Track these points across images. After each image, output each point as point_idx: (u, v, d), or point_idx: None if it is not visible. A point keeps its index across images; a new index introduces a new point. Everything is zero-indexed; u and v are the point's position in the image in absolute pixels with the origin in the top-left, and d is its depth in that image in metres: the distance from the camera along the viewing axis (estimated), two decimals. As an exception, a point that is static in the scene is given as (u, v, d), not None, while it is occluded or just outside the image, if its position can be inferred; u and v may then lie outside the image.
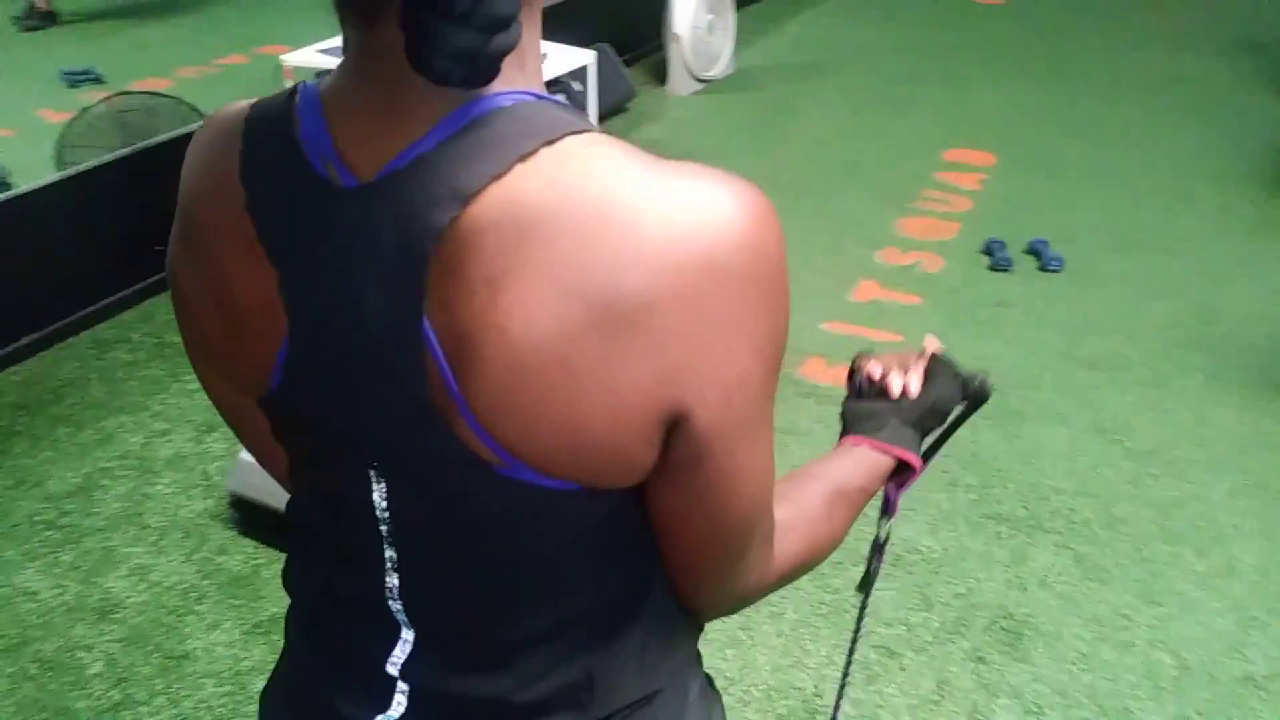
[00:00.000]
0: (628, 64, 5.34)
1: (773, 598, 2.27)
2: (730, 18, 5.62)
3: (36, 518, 2.55)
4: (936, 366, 0.96)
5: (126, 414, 2.93)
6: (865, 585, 1.05)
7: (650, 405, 0.58)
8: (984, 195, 4.35)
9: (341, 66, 0.62)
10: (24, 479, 2.68)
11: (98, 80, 5.41)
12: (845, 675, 1.14)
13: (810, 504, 0.80)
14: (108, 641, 2.20)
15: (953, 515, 2.57)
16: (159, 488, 2.65)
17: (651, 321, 0.55)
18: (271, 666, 0.86)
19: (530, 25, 0.62)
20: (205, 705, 2.07)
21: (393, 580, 0.70)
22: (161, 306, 3.41)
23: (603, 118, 4.84)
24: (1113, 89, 5.53)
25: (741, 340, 0.58)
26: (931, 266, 3.76)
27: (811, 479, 0.83)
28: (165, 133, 3.54)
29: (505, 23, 0.53)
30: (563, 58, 4.52)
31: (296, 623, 0.81)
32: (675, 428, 0.60)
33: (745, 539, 0.68)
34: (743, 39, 5.90)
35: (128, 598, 2.32)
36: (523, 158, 0.55)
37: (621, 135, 3.51)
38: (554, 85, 4.46)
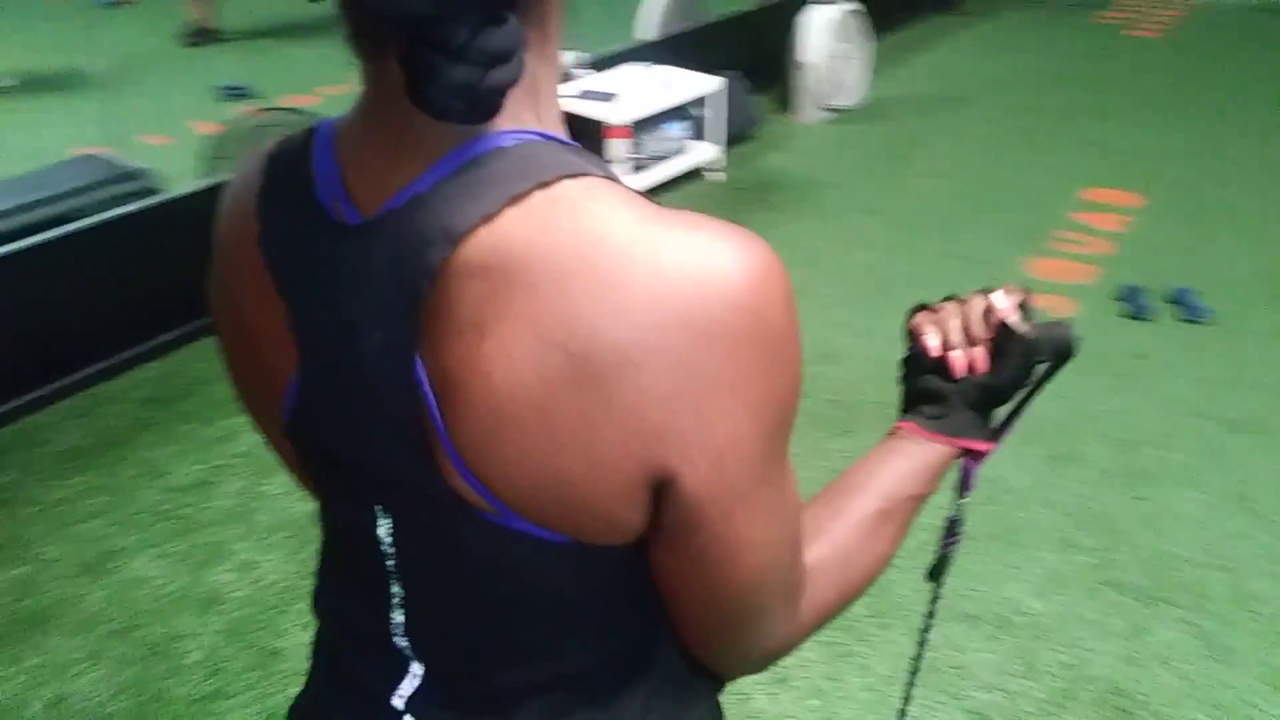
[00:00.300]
0: (757, 91, 5.30)
1: (858, 648, 2.18)
2: (864, 47, 5.53)
3: (157, 507, 2.68)
4: (1008, 337, 0.80)
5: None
6: (937, 573, 0.92)
7: (632, 466, 0.55)
8: (1125, 238, 4.13)
9: (357, 103, 0.62)
10: (149, 470, 2.82)
11: (249, 95, 5.71)
12: (913, 677, 1.03)
13: (846, 538, 0.73)
14: (209, 632, 2.28)
15: (1066, 578, 2.42)
16: (271, 487, 2.74)
17: (634, 379, 0.53)
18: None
19: (543, 61, 0.60)
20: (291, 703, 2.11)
21: (399, 616, 0.70)
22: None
23: (730, 144, 4.82)
24: (1276, 130, 5.19)
25: (734, 403, 0.55)
26: (1061, 311, 3.59)
27: (852, 497, 0.76)
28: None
29: (504, 57, 0.52)
30: (690, 85, 4.53)
31: (317, 648, 0.81)
32: (662, 491, 0.57)
33: (752, 607, 0.64)
34: (879, 69, 5.81)
35: (231, 591, 2.40)
36: (514, 200, 0.54)
37: (746, 163, 3.50)
38: (679, 112, 4.47)
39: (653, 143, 4.39)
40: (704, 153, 4.64)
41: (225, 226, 0.68)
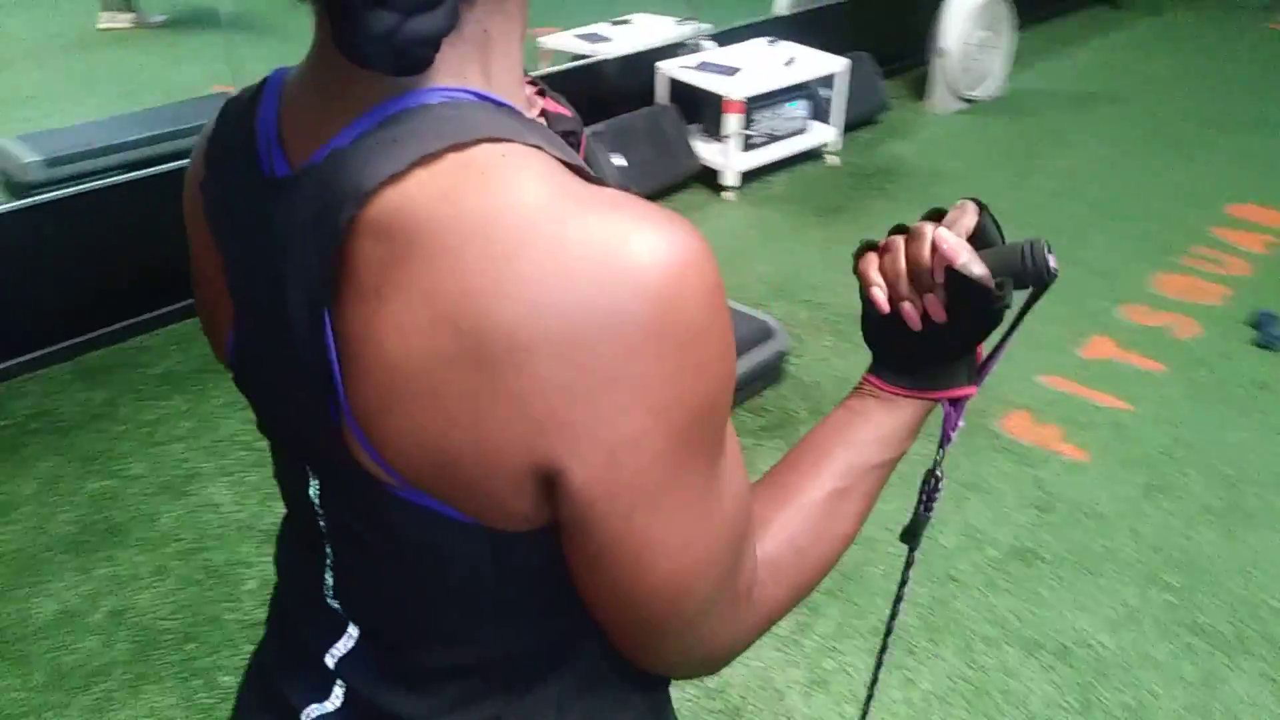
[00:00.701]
0: (888, 75, 5.12)
1: (906, 660, 2.10)
2: (1007, 36, 5.26)
3: (238, 437, 2.78)
4: (957, 281, 0.69)
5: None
6: (911, 536, 0.83)
7: (518, 453, 0.52)
8: (1268, 261, 3.83)
9: (309, 52, 0.59)
10: (236, 400, 2.93)
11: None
12: (881, 655, 0.95)
13: (799, 528, 0.68)
14: (267, 562, 2.36)
15: (1140, 615, 2.27)
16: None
17: (522, 364, 0.49)
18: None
19: (498, 16, 0.56)
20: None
21: (329, 578, 0.69)
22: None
23: (850, 128, 4.68)
24: None
25: (633, 400, 0.50)
26: (1183, 332, 3.35)
27: (804, 477, 0.70)
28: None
29: (428, 5, 0.49)
30: (814, 63, 4.40)
31: (271, 602, 0.80)
32: (553, 483, 0.53)
33: (678, 614, 0.58)
34: (1021, 60, 5.53)
35: (294, 527, 2.48)
36: (425, 160, 0.51)
37: (867, 148, 3.38)
38: (799, 90, 4.35)
39: (770, 120, 4.29)
40: (823, 134, 4.51)
41: (189, 172, 0.68)
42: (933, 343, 0.73)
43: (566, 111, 0.71)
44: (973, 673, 2.12)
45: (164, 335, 3.22)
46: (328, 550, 0.67)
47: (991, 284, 0.68)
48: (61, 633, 2.17)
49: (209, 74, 5.19)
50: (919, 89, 5.28)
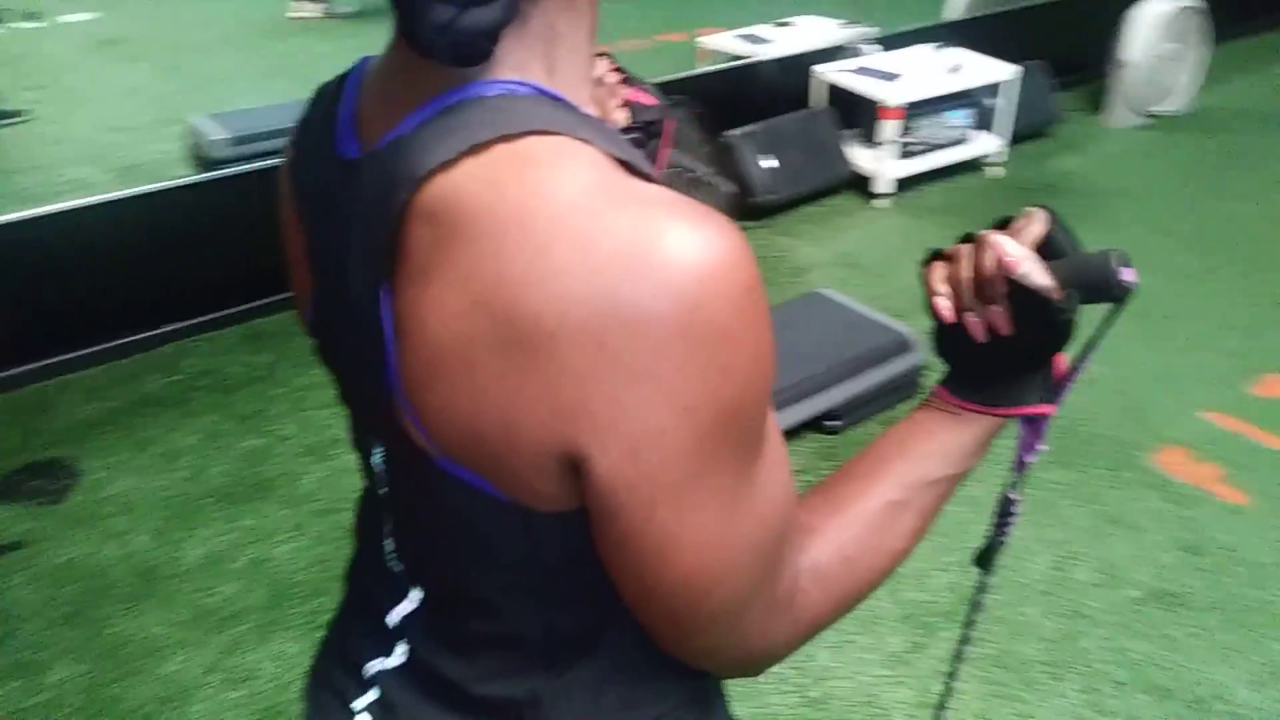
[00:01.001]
0: (1064, 87, 4.89)
1: (1023, 693, 2.01)
2: (1198, 49, 4.94)
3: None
4: (1022, 293, 0.67)
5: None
6: (985, 560, 0.81)
7: (543, 436, 0.53)
8: None
9: (388, 43, 0.62)
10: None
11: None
12: (950, 679, 0.92)
13: (849, 537, 0.67)
14: (395, 531, 2.47)
15: (1293, 674, 2.09)
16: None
17: (549, 351, 0.50)
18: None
19: (567, 12, 0.58)
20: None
21: (390, 543, 0.71)
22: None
23: (1017, 140, 4.49)
24: None
25: (657, 395, 0.51)
26: (1371, 375, 3.07)
27: (860, 486, 0.69)
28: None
29: None
30: (980, 71, 4.25)
31: (347, 567, 0.84)
32: (578, 470, 0.54)
33: (703, 610, 0.58)
34: (1214, 75, 5.17)
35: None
36: (475, 150, 0.53)
37: (1033, 161, 3.30)
38: (963, 98, 4.21)
39: (929, 128, 4.17)
40: (986, 145, 4.35)
41: (284, 153, 0.72)
42: (1001, 357, 0.71)
43: (650, 100, 0.72)
44: (1095, 716, 2.01)
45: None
46: (389, 516, 0.70)
47: (1055, 295, 0.66)
48: (206, 576, 2.33)
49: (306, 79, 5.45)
50: (1095, 102, 5.02)
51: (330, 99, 0.65)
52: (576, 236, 0.50)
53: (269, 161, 3.36)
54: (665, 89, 3.57)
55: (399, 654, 0.73)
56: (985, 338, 0.70)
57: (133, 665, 2.10)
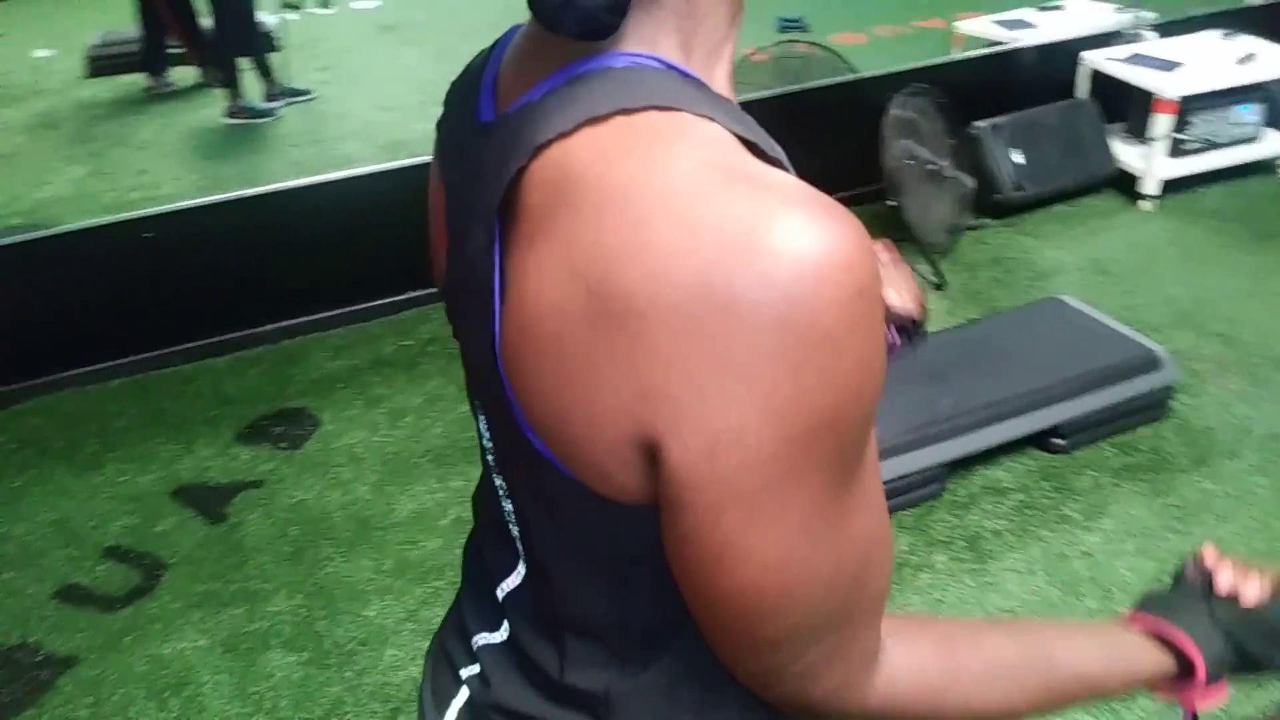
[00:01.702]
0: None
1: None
2: None
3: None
4: None
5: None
6: None
7: (624, 420, 0.51)
8: None
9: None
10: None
11: (803, 29, 5.89)
12: None
13: (966, 656, 0.63)
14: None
15: None
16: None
17: (637, 330, 0.48)
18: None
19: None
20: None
21: (508, 505, 0.71)
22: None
23: (1320, 140, 3.95)
24: None
25: (745, 392, 0.47)
26: None
27: (1005, 633, 0.66)
28: (814, 80, 3.74)
29: None
30: (1276, 61, 3.76)
31: (469, 536, 0.85)
32: (654, 459, 0.51)
33: (756, 634, 0.54)
34: None
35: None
36: (593, 121, 0.52)
37: None
38: (1254, 91, 3.74)
39: (1210, 124, 3.74)
40: (1279, 145, 3.86)
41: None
42: (1213, 608, 0.72)
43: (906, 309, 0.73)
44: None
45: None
46: (499, 481, 0.70)
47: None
48: (413, 530, 2.47)
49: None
50: None
51: (481, 63, 0.67)
52: (679, 213, 0.48)
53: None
54: (909, 76, 3.39)
55: (503, 630, 0.73)
56: (1228, 591, 0.74)
57: (340, 605, 2.27)
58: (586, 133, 0.52)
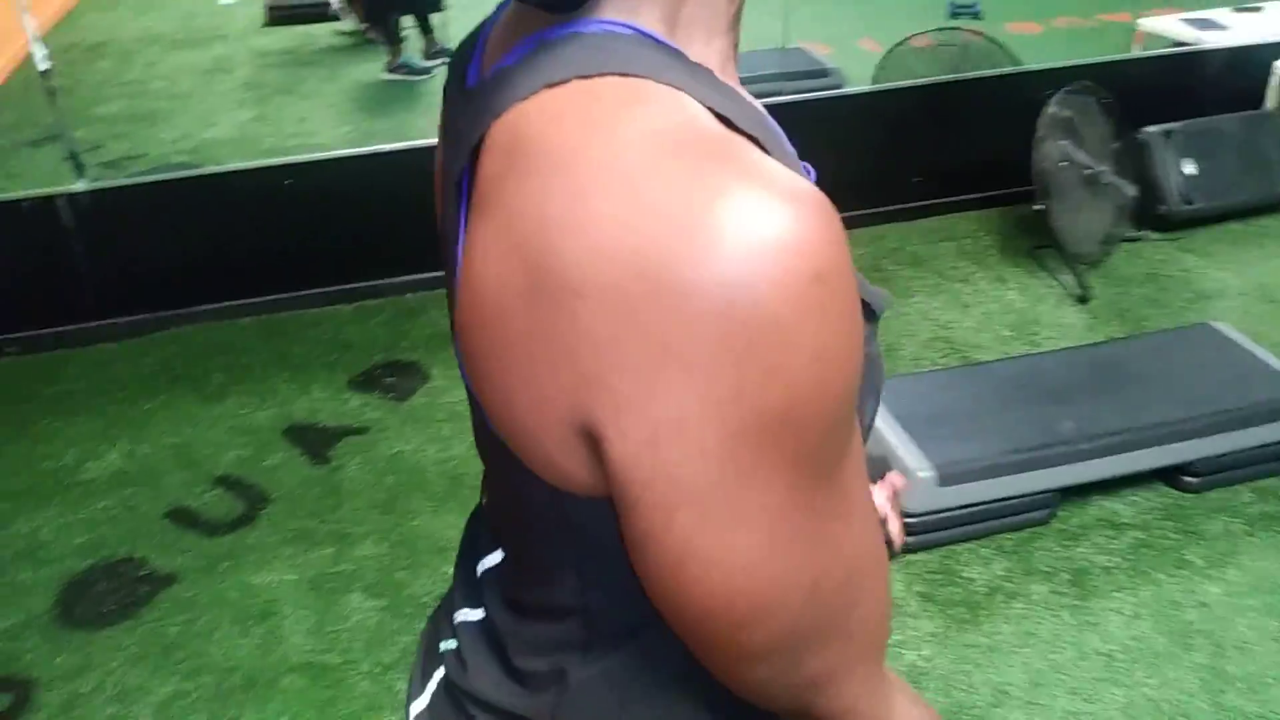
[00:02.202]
0: None
1: None
2: None
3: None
4: None
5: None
6: None
7: (564, 406, 0.47)
8: None
9: None
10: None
11: (976, 15, 5.62)
12: None
13: None
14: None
15: None
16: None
17: (573, 309, 0.45)
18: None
19: None
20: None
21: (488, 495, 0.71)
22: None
23: None
24: None
25: (683, 378, 0.43)
26: None
27: None
28: (971, 70, 3.56)
29: None
30: None
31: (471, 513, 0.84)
32: (597, 448, 0.47)
33: (736, 643, 0.50)
34: None
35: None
36: (550, 86, 0.49)
37: None
38: None
39: None
40: None
41: None
42: None
43: None
44: None
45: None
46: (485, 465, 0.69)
47: None
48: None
49: (800, 29, 5.44)
50: None
51: (481, 26, 0.65)
52: (622, 184, 0.44)
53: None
54: (1075, 73, 3.19)
55: (480, 608, 0.72)
56: None
57: (422, 558, 2.31)
58: (543, 97, 0.49)
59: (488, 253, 0.49)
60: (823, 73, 4.41)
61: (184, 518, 2.48)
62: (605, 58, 0.49)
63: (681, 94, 0.47)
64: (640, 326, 0.43)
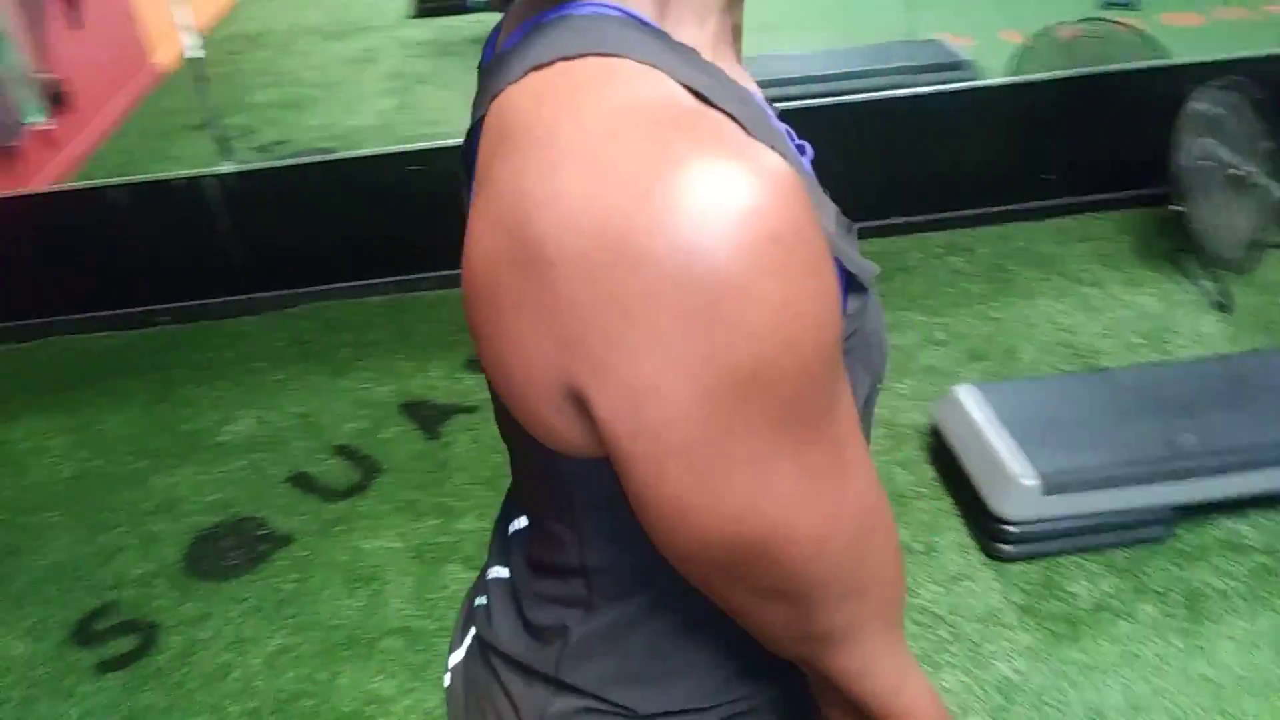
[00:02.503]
0: None
1: None
2: None
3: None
4: None
5: (921, 312, 3.10)
6: None
7: (551, 370, 0.50)
8: None
9: None
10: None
11: (1131, 8, 5.34)
12: None
13: None
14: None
15: None
16: (902, 387, 2.78)
17: (551, 278, 0.47)
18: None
19: None
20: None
21: None
22: (1026, 230, 3.43)
23: None
24: None
25: (652, 342, 0.45)
26: None
27: None
28: (1112, 63, 3.39)
29: None
30: None
31: None
32: (585, 410, 0.50)
33: (737, 581, 0.53)
34: None
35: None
36: (537, 68, 0.51)
37: None
38: None
39: None
40: None
41: None
42: None
43: None
44: None
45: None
46: None
47: None
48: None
49: (942, 20, 5.30)
50: None
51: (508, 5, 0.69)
52: (589, 157, 0.46)
53: (781, 105, 3.45)
54: (1225, 68, 3.01)
55: (507, 567, 0.75)
56: None
57: (520, 535, 2.38)
58: (530, 79, 0.51)
59: (481, 228, 0.52)
60: (956, 65, 4.29)
61: (304, 483, 2.62)
62: (588, 39, 0.51)
63: (657, 71, 0.49)
64: (608, 293, 0.45)
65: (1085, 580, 2.14)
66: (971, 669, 1.97)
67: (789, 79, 4.16)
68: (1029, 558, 2.20)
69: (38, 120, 4.22)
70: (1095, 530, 2.19)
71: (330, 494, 2.58)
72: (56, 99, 4.46)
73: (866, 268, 0.55)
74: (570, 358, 0.48)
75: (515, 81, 0.52)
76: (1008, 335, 2.98)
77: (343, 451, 2.73)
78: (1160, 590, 2.10)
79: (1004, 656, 1.99)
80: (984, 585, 2.16)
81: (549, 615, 0.67)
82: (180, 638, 2.19)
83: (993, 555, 2.22)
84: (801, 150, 0.60)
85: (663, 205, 0.44)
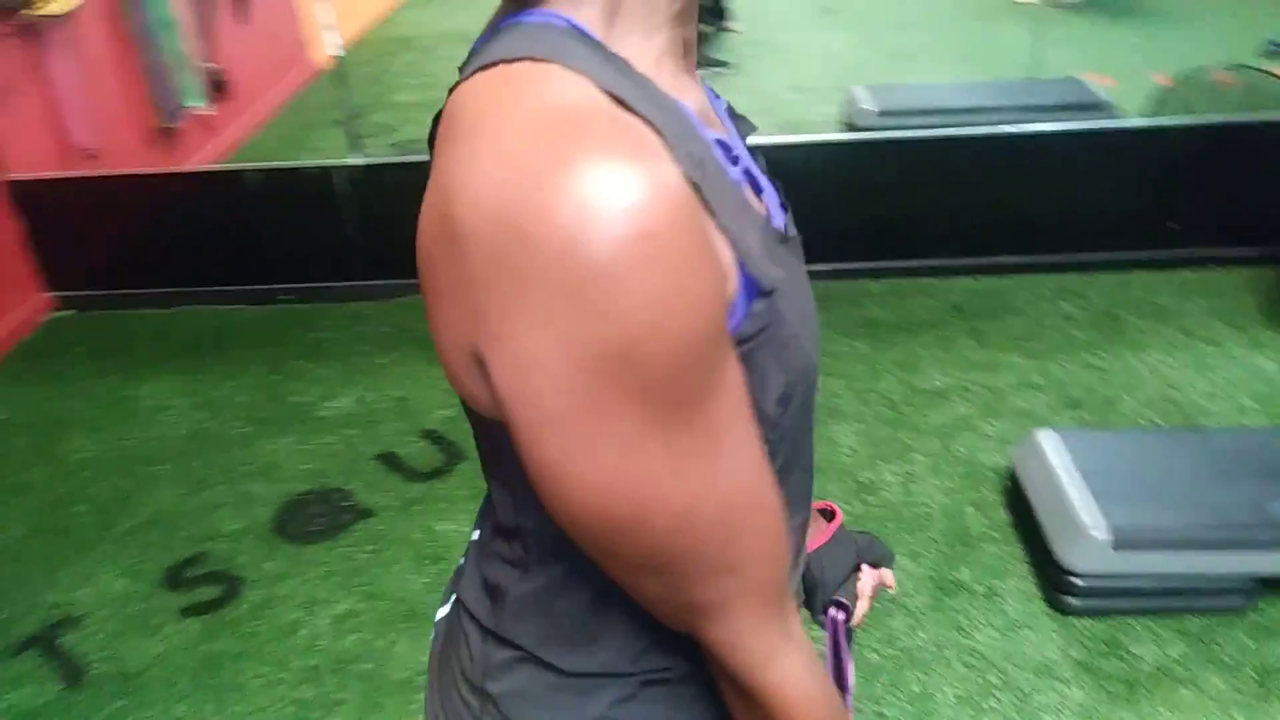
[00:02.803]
0: None
1: None
2: None
3: (890, 394, 2.89)
4: None
5: (1021, 354, 3.02)
6: None
7: (464, 334, 0.56)
8: None
9: None
10: (908, 363, 3.03)
11: (1290, 57, 5.06)
12: None
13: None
14: (896, 484, 2.46)
15: None
16: (988, 428, 2.72)
17: (462, 254, 0.53)
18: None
19: None
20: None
21: None
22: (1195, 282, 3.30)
23: None
24: None
25: (535, 317, 0.51)
26: None
27: None
28: (1250, 112, 3.24)
29: None
30: None
31: None
32: (487, 374, 0.56)
33: (611, 550, 0.58)
34: None
35: (887, 489, 2.52)
36: (483, 68, 0.57)
37: None
38: None
39: None
40: None
41: None
42: None
43: None
44: None
45: (885, 285, 3.44)
46: None
47: None
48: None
49: (1084, 59, 5.14)
50: None
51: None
52: (502, 148, 0.52)
53: (908, 133, 3.45)
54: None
55: (480, 529, 0.81)
56: None
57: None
58: (477, 77, 0.57)
59: (425, 207, 0.58)
60: (1094, 105, 4.16)
61: (390, 461, 2.76)
62: (529, 45, 0.57)
63: (582, 77, 0.54)
64: (504, 271, 0.51)
65: (1152, 643, 2.06)
66: (1015, 718, 1.92)
67: (919, 110, 4.13)
68: (1096, 614, 2.13)
69: (198, 105, 4.54)
70: (1168, 593, 2.10)
71: (413, 474, 2.71)
72: (218, 87, 4.80)
73: (770, 274, 0.58)
74: (475, 327, 0.54)
75: (467, 79, 0.58)
76: (1109, 386, 2.88)
77: (430, 436, 2.85)
78: (1231, 662, 2.01)
79: (1052, 710, 1.94)
80: (1043, 636, 2.10)
81: (496, 573, 0.73)
82: (259, 592, 2.34)
83: (1056, 607, 2.15)
84: (735, 161, 0.64)
85: (552, 195, 0.49)
